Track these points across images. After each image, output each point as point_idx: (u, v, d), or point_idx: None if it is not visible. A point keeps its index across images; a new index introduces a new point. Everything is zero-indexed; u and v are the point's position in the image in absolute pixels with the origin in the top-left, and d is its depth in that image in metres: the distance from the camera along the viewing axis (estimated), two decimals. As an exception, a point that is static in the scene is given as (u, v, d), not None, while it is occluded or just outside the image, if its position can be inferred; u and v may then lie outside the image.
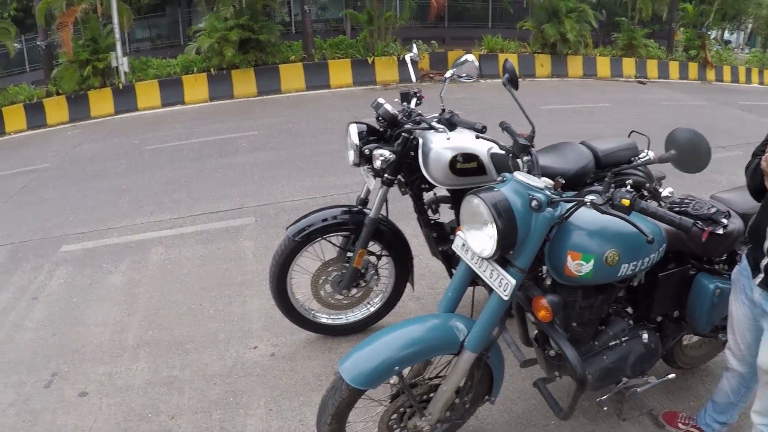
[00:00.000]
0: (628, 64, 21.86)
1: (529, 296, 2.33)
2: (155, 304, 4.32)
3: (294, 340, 3.78)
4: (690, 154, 2.09)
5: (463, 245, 2.33)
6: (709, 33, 26.13)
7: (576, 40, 19.85)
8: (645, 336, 2.62)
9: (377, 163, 3.29)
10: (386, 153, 3.28)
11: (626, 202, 1.96)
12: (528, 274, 2.22)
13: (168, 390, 3.35)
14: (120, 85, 14.39)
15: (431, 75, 17.05)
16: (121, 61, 14.27)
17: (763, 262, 2.18)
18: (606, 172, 2.61)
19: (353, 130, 3.42)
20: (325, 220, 3.47)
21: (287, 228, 3.49)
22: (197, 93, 14.76)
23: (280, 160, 8.35)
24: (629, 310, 2.73)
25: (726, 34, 37.72)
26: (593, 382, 2.44)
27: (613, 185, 2.08)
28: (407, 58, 3.78)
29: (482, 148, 3.24)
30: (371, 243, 3.53)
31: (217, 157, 8.80)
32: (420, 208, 3.57)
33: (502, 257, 2.17)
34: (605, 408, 2.58)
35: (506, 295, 2.15)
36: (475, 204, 2.12)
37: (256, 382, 3.39)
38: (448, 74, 3.42)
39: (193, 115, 12.99)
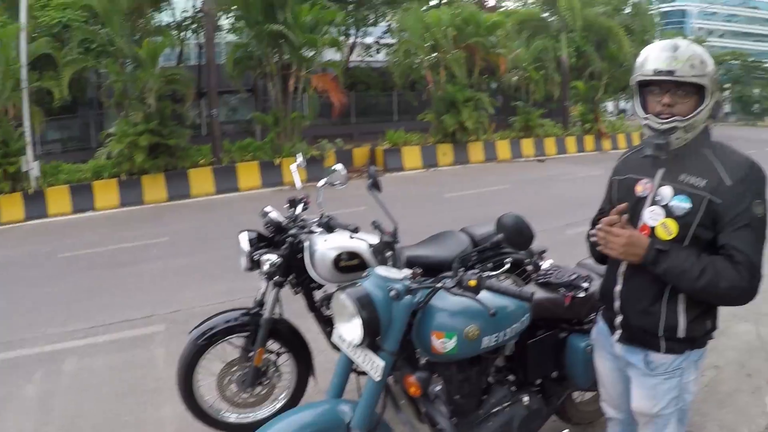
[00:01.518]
0: (527, 145, 23.32)
1: (401, 375, 2.56)
2: (71, 414, 4.46)
3: None
4: (515, 235, 2.38)
5: (340, 336, 2.53)
6: (603, 105, 28.11)
7: (475, 127, 21.14)
8: (526, 399, 2.86)
9: (265, 268, 3.57)
10: (273, 257, 3.58)
11: (473, 282, 2.24)
12: (399, 356, 2.45)
13: None
14: (30, 190, 14.40)
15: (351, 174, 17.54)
16: (31, 165, 14.31)
17: (617, 320, 2.41)
18: (489, 254, 2.99)
19: (243, 237, 3.76)
20: (225, 322, 3.72)
21: (190, 332, 3.73)
22: (108, 199, 14.91)
23: (191, 266, 8.64)
24: (510, 377, 2.94)
25: (622, 103, 40.75)
26: None
27: (462, 269, 2.39)
28: (292, 167, 4.09)
29: (363, 245, 3.52)
30: (270, 341, 3.78)
31: (128, 265, 8.98)
32: (312, 305, 3.86)
33: (373, 343, 2.40)
34: None
35: (377, 377, 2.37)
36: (341, 299, 2.37)
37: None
38: (320, 184, 3.84)
39: (104, 222, 13.12)
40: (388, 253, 2.87)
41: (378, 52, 32.02)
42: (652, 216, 2.22)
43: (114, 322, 6.46)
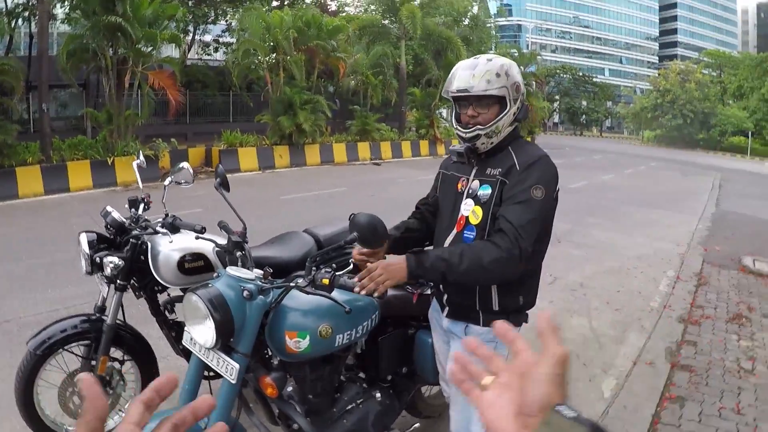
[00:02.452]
0: (363, 148, 23.98)
1: (257, 377, 2.56)
2: None
3: None
4: (369, 233, 2.39)
5: (191, 340, 2.49)
6: (439, 111, 29.52)
7: (312, 130, 21.40)
8: (378, 395, 2.92)
9: (108, 270, 3.44)
10: (116, 260, 3.45)
11: (326, 281, 2.26)
12: (252, 357, 2.44)
13: None
14: None
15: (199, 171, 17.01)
16: None
17: (444, 298, 2.66)
18: (332, 254, 2.96)
19: (83, 239, 3.58)
20: (64, 330, 3.53)
21: (27, 342, 3.54)
22: None
23: (19, 273, 8.18)
24: (362, 375, 3.05)
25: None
26: None
27: (314, 268, 2.39)
28: (134, 165, 4.04)
29: (208, 246, 3.43)
30: (113, 349, 3.66)
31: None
32: (156, 309, 3.75)
33: (226, 345, 2.38)
34: None
35: (233, 379, 2.35)
36: (193, 300, 2.33)
37: None
38: (166, 181, 3.78)
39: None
40: (239, 254, 2.85)
41: (216, 51, 31.44)
42: (465, 207, 2.54)
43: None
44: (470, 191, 2.54)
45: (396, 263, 2.32)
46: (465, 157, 2.59)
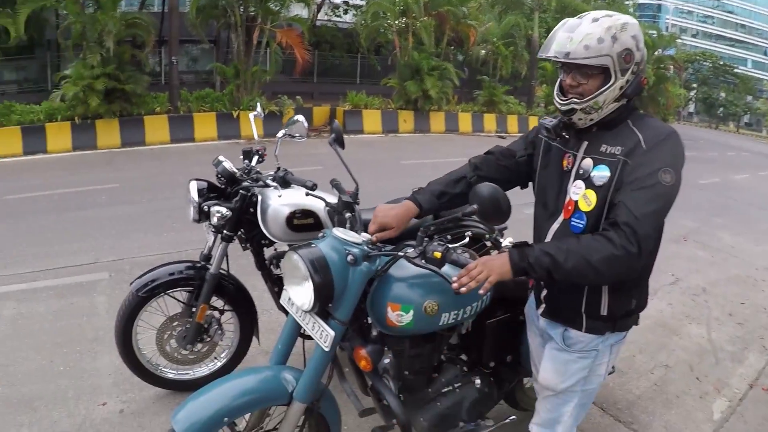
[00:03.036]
0: (489, 120, 23.40)
1: (351, 347, 2.40)
2: (4, 361, 4.36)
3: (143, 396, 3.93)
4: (491, 208, 2.09)
5: (289, 299, 2.38)
6: None
7: (438, 97, 21.09)
8: (478, 382, 2.73)
9: (214, 220, 3.42)
10: (223, 210, 3.41)
11: (438, 254, 2.10)
12: (350, 326, 2.32)
13: (14, 453, 3.38)
14: None
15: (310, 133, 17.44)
16: None
17: (542, 294, 2.42)
18: (449, 225, 2.75)
19: (193, 187, 3.55)
20: (169, 275, 3.56)
21: (131, 283, 3.58)
22: (60, 142, 14.47)
23: (139, 215, 8.48)
24: (463, 357, 2.84)
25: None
26: (429, 427, 2.53)
27: (426, 239, 2.22)
28: (251, 116, 3.97)
29: (319, 204, 3.31)
30: (214, 298, 3.67)
31: (75, 210, 8.77)
32: (261, 263, 3.70)
33: (324, 310, 2.26)
34: None
35: (326, 347, 2.24)
36: (293, 260, 2.20)
37: (105, 441, 3.48)
38: (279, 134, 3.67)
39: (55, 165, 12.77)
40: (348, 215, 2.69)
41: (346, 13, 31.58)
42: (574, 190, 2.22)
43: (57, 267, 6.32)
44: (580, 171, 2.22)
45: (497, 258, 2.11)
46: (553, 132, 2.31)
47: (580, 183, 2.20)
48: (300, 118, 3.71)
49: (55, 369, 4.29)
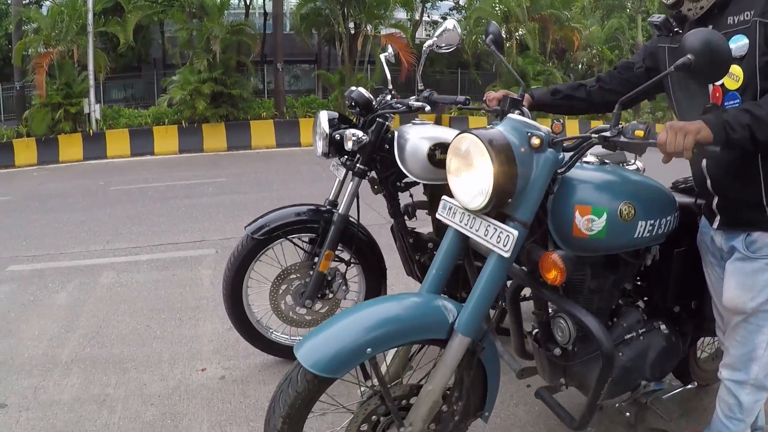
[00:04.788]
0: (596, 126, 22.61)
1: (534, 260, 1.92)
2: (98, 323, 3.93)
3: (248, 363, 3.37)
4: (708, 57, 1.71)
5: (450, 209, 1.99)
6: None
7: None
8: (664, 327, 2.31)
9: (349, 144, 3.01)
10: (359, 133, 3.01)
11: (640, 132, 1.75)
12: (530, 236, 1.89)
13: (98, 408, 2.92)
14: (90, 131, 14.38)
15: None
16: (93, 107, 14.34)
17: (714, 203, 2.10)
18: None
19: (323, 116, 3.18)
20: (289, 216, 3.16)
21: (246, 227, 3.15)
22: (167, 144, 14.65)
23: (246, 202, 8.10)
24: (640, 304, 2.42)
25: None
26: (608, 385, 2.06)
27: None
28: (382, 57, 3.60)
29: None
30: (340, 249, 3.19)
31: (183, 198, 8.55)
32: (395, 210, 3.23)
33: (498, 213, 1.87)
34: (627, 414, 2.25)
35: (507, 251, 1.77)
36: (468, 142, 1.84)
37: (201, 405, 2.95)
38: (426, 44, 3.13)
39: (162, 164, 12.86)
40: (517, 112, 2.16)
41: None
42: None
43: (161, 243, 5.97)
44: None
45: (690, 123, 1.75)
46: (665, 28, 2.09)
47: None
48: (450, 24, 3.10)
49: (151, 333, 3.80)
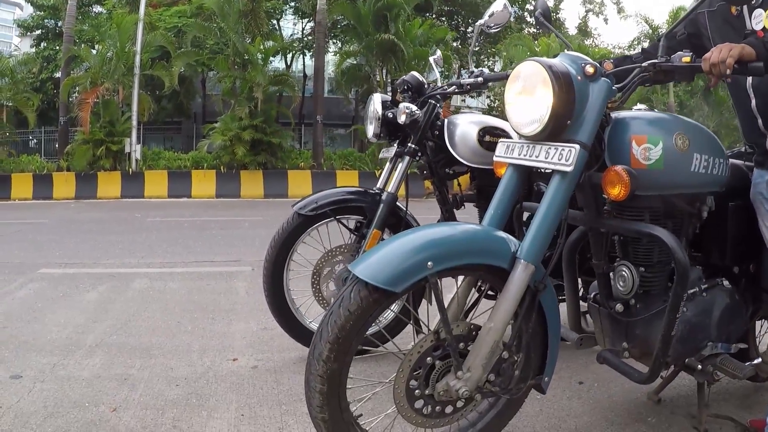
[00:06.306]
0: None
1: (596, 183, 1.93)
2: (127, 317, 3.76)
3: (284, 357, 3.13)
4: None
5: (508, 147, 2.03)
6: None
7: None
8: (727, 283, 2.25)
9: (402, 118, 2.96)
10: (413, 107, 2.98)
11: (687, 59, 1.88)
12: (588, 169, 1.92)
13: (118, 385, 2.71)
14: (130, 170, 14.56)
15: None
16: (134, 147, 14.54)
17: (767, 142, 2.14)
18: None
19: (377, 98, 3.15)
20: (345, 195, 3.09)
21: (293, 206, 3.04)
22: (205, 188, 14.70)
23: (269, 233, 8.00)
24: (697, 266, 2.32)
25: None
26: (675, 343, 2.00)
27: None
28: (431, 59, 3.63)
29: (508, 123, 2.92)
30: (387, 233, 3.05)
31: (219, 229, 8.42)
32: (444, 197, 3.25)
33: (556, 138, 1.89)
34: (699, 368, 2.11)
35: (570, 165, 1.79)
36: (528, 66, 1.90)
37: (230, 388, 2.73)
38: (478, 23, 3.09)
39: (199, 205, 12.88)
40: None
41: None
42: (756, 21, 2.07)
43: (196, 261, 5.82)
44: (753, 2, 2.03)
45: (730, 45, 1.83)
46: None
47: (758, 12, 2.05)
48: (501, 4, 3.00)
49: (182, 328, 3.59)
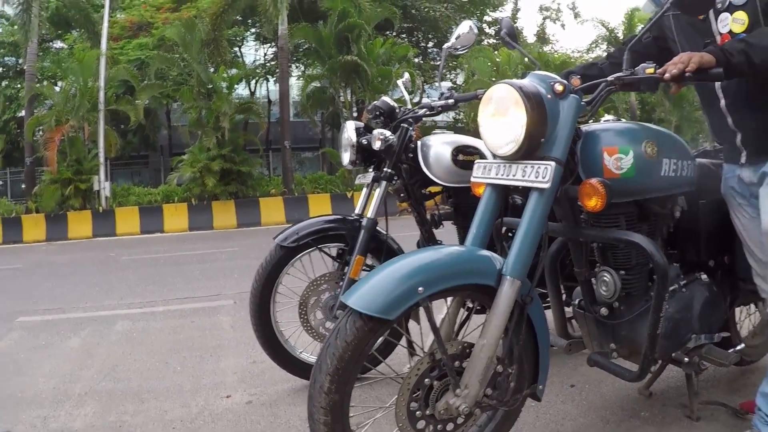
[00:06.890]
0: None
1: (572, 196, 2.00)
2: (113, 362, 3.71)
3: (277, 389, 3.13)
4: None
5: (484, 168, 2.08)
6: None
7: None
8: (705, 277, 2.36)
9: (377, 144, 3.02)
10: (387, 132, 3.03)
11: (650, 70, 1.92)
12: (563, 183, 1.97)
13: (112, 435, 2.67)
14: (100, 208, 14.44)
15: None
16: (103, 185, 14.41)
17: (737, 140, 2.19)
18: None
19: (350, 125, 3.21)
20: (324, 224, 3.10)
21: (274, 238, 3.04)
22: (177, 222, 14.61)
23: (250, 265, 7.94)
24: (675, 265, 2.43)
25: None
26: (661, 339, 2.09)
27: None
28: (399, 82, 3.64)
29: (480, 141, 3.00)
30: (368, 265, 3.08)
31: (196, 263, 8.36)
32: (422, 218, 3.26)
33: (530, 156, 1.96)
34: (686, 360, 2.20)
35: (547, 182, 1.85)
36: (499, 89, 1.96)
37: (227, 426, 2.71)
38: (446, 46, 3.17)
39: (173, 240, 12.77)
40: None
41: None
42: (722, 25, 2.12)
43: (176, 297, 5.76)
44: (718, 6, 2.11)
45: (693, 53, 1.92)
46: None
47: (724, 16, 2.11)
48: (467, 26, 3.11)
49: (170, 368, 3.56)
